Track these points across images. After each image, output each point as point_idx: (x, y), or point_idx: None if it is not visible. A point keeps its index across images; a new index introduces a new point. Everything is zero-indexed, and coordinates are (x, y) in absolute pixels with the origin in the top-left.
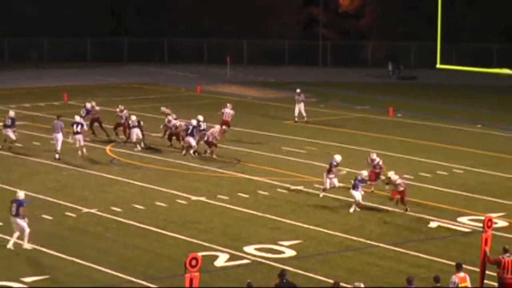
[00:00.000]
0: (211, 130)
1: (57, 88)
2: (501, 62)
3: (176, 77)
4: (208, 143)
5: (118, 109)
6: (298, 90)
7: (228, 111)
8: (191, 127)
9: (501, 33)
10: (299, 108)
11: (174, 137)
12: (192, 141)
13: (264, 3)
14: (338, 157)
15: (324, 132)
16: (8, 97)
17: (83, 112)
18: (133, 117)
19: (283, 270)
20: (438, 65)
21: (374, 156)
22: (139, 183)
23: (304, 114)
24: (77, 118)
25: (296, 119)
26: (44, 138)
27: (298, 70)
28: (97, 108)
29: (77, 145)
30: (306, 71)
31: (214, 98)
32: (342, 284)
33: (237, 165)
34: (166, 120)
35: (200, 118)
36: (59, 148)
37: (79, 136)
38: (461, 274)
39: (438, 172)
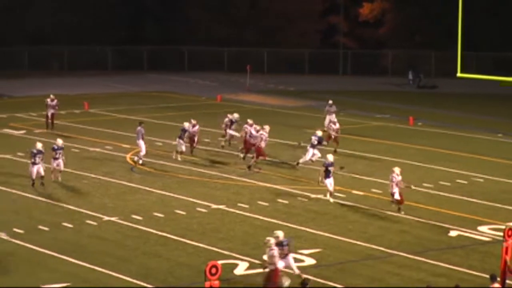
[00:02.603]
0: (261, 135)
1: (78, 96)
2: None
3: (196, 85)
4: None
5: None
6: (330, 101)
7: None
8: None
9: None
10: (330, 118)
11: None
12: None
13: (284, 12)
14: (330, 157)
15: (344, 141)
16: (29, 105)
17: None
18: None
19: (306, 278)
20: (459, 74)
21: (397, 171)
22: (159, 191)
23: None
24: (39, 146)
25: (325, 129)
26: (65, 146)
27: (318, 79)
28: (196, 127)
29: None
30: (326, 79)
31: (234, 106)
32: None
33: (257, 174)
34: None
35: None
36: (142, 153)
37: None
38: (496, 285)
39: (458, 180)
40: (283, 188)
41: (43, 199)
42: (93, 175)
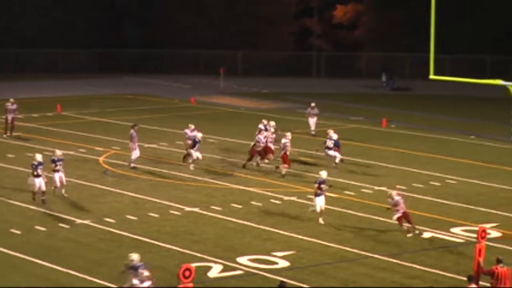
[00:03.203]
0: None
1: (51, 99)
2: (495, 73)
3: (170, 88)
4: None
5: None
6: (312, 104)
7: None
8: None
9: (495, 44)
10: (312, 121)
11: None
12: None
13: (258, 14)
14: (324, 174)
15: (318, 143)
16: (1, 107)
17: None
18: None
19: (282, 281)
20: (432, 76)
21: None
22: (133, 194)
23: (313, 128)
24: (38, 157)
25: (313, 132)
26: (37, 149)
27: (292, 81)
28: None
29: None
30: (300, 82)
31: (208, 109)
32: None
33: (230, 176)
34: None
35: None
36: (133, 157)
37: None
38: (473, 286)
39: (431, 182)
40: (256, 190)
41: (15, 202)
42: (66, 178)
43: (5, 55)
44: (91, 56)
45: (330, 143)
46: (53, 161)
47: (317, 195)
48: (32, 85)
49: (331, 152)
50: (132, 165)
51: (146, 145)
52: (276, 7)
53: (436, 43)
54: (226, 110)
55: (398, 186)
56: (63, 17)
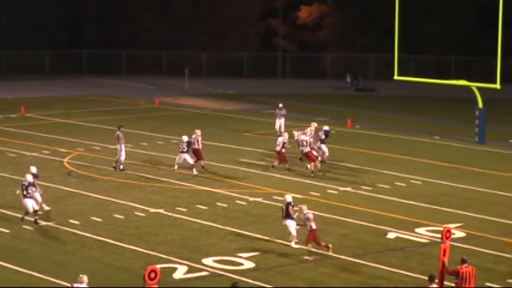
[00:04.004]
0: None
1: (15, 100)
2: (459, 74)
3: (135, 89)
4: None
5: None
6: (280, 105)
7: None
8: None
9: (459, 45)
10: (280, 122)
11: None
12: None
13: (223, 15)
14: (289, 197)
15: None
16: None
17: (183, 146)
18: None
19: (235, 282)
20: (396, 77)
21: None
22: (97, 196)
23: (282, 130)
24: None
25: (278, 133)
26: (1, 150)
27: (257, 82)
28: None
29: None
30: (265, 83)
31: (172, 110)
32: None
33: (195, 177)
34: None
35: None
36: (122, 158)
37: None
38: (434, 286)
39: (396, 183)
40: (222, 191)
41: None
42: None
43: None
44: (51, 57)
45: (322, 135)
46: (25, 187)
47: (287, 217)
48: None
49: (324, 147)
50: (121, 167)
51: (112, 147)
52: (240, 8)
53: (400, 44)
54: (191, 111)
55: (304, 206)
56: (24, 17)
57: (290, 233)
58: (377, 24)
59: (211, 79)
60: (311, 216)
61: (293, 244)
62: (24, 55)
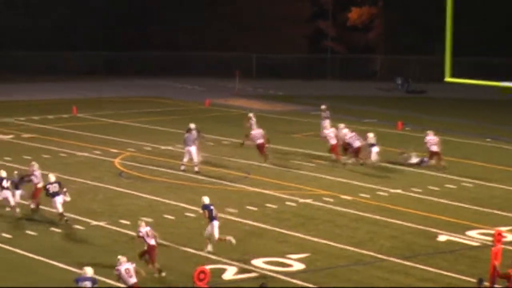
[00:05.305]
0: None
1: (66, 100)
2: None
3: (185, 90)
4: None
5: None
6: (323, 106)
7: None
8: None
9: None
10: (324, 124)
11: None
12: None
13: (273, 17)
14: (206, 199)
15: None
16: (17, 109)
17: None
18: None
19: (263, 282)
20: (447, 79)
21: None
22: (148, 196)
23: (327, 131)
24: (3, 174)
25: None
26: (52, 150)
27: (307, 84)
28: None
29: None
30: (314, 84)
31: (222, 111)
32: None
33: (245, 179)
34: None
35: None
36: (195, 160)
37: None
38: None
39: (447, 185)
40: (271, 193)
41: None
42: (81, 180)
43: (15, 57)
44: (105, 58)
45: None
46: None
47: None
48: (45, 87)
49: (375, 149)
50: (196, 169)
51: (163, 147)
52: (289, 9)
53: (451, 46)
54: (241, 112)
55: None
56: (77, 19)
57: (212, 235)
58: (427, 26)
59: (261, 81)
60: (150, 232)
61: (209, 248)
62: (77, 57)
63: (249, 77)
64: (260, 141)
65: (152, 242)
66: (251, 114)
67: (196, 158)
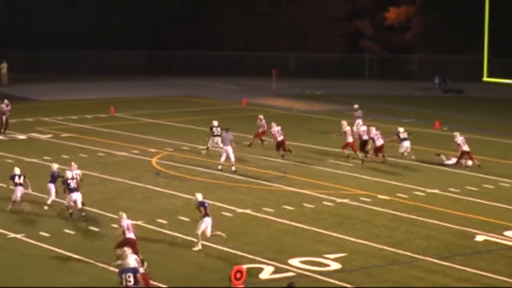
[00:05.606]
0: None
1: (104, 100)
2: None
3: (221, 89)
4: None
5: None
6: (356, 106)
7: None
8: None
9: None
10: (356, 123)
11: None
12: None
13: (310, 16)
14: (199, 196)
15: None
16: (55, 109)
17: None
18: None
19: (291, 282)
20: (485, 78)
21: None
22: (185, 195)
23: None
24: (17, 171)
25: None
26: (90, 150)
27: (344, 83)
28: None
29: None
30: (352, 84)
31: (259, 111)
32: None
33: (282, 178)
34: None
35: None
36: (232, 160)
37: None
38: None
39: (485, 185)
40: (308, 192)
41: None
42: (119, 179)
43: (54, 56)
44: (138, 57)
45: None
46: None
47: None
48: (83, 87)
49: (406, 143)
50: (233, 168)
51: (200, 147)
52: (327, 9)
53: (489, 46)
54: (278, 112)
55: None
56: (115, 18)
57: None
58: (465, 26)
59: (298, 80)
60: (130, 226)
61: (199, 246)
62: (114, 56)
63: (286, 76)
64: (281, 138)
65: (131, 235)
66: (261, 116)
67: (233, 157)
